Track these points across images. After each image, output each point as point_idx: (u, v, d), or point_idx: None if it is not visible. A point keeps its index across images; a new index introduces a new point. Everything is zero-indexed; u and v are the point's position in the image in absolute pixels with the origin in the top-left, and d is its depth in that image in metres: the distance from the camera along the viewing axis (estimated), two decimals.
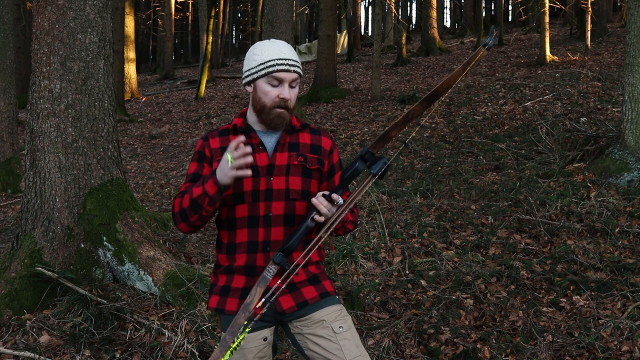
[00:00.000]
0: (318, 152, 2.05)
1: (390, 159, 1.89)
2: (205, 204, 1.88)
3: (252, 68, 1.99)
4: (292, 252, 1.85)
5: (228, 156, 1.79)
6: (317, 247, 1.85)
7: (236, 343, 1.79)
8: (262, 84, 1.96)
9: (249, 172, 1.83)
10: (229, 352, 1.78)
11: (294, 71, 1.96)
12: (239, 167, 1.80)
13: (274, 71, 1.94)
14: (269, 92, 1.95)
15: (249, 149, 1.80)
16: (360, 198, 5.54)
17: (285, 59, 1.95)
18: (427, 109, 1.87)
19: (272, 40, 2.03)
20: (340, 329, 1.99)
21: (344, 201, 1.86)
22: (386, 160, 1.84)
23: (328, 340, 1.97)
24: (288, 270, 1.84)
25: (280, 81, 1.95)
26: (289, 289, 1.99)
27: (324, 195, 1.84)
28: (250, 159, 1.80)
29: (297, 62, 1.98)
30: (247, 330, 1.80)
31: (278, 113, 1.96)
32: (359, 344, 2.01)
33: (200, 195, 1.88)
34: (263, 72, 1.95)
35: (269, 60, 1.95)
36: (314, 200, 1.84)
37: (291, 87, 1.98)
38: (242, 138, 1.81)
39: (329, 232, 1.88)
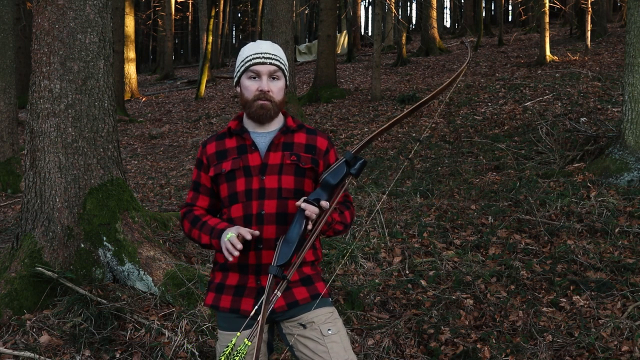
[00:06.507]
0: (313, 152, 2.07)
1: (367, 159, 2.01)
2: (213, 248, 2.04)
3: (236, 68, 2.09)
4: (287, 266, 1.88)
5: (229, 234, 1.90)
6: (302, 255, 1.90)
7: (231, 345, 1.88)
8: (244, 80, 2.05)
9: (232, 258, 1.88)
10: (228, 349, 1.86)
11: (270, 63, 2.01)
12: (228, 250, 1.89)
13: (250, 65, 2.02)
14: (249, 87, 2.03)
15: (239, 246, 1.86)
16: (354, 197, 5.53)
17: (261, 52, 2.02)
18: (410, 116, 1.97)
19: (257, 40, 2.10)
20: (329, 332, 1.99)
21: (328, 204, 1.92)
22: (365, 161, 1.96)
23: (316, 342, 1.97)
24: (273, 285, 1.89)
25: (258, 74, 2.02)
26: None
27: (308, 202, 1.87)
28: (236, 253, 1.87)
29: (274, 55, 2.03)
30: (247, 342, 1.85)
31: (260, 104, 2.01)
32: (347, 347, 2.01)
33: (207, 244, 2.03)
34: (242, 68, 2.04)
35: (247, 57, 2.04)
36: (304, 205, 1.87)
37: (273, 79, 2.03)
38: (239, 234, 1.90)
39: (311, 240, 1.90)
